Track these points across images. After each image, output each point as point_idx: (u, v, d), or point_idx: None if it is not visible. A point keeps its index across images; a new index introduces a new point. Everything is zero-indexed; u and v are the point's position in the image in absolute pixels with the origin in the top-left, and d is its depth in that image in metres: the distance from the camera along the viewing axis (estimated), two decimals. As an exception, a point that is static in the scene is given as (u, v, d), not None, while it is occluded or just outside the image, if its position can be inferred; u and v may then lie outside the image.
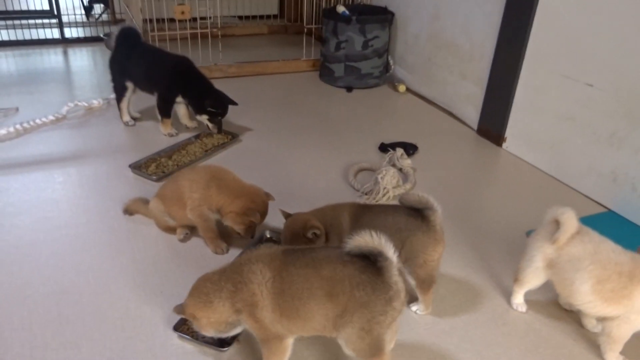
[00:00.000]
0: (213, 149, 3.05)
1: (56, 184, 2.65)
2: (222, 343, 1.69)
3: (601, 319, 1.75)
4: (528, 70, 3.02)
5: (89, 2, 5.88)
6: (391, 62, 4.35)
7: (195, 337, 1.71)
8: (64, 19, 5.07)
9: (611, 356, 1.74)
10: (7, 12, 5.38)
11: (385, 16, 4.11)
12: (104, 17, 5.65)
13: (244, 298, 1.50)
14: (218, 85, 3.17)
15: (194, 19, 4.30)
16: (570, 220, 1.72)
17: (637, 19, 2.40)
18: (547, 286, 1.88)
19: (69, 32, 5.15)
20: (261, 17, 6.07)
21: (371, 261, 1.43)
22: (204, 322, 1.56)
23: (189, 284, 1.61)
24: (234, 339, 1.71)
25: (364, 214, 1.85)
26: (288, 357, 1.58)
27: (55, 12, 4.96)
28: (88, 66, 4.51)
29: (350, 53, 4.08)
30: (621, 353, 1.74)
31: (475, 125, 3.53)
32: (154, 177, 2.69)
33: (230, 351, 1.71)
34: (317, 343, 1.75)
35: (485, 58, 3.35)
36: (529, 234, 2.40)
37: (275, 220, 2.25)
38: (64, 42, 5.00)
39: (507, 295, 2.02)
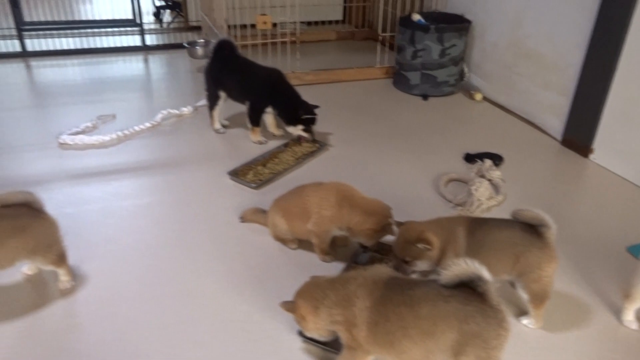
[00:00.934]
0: (303, 157, 3.15)
1: (159, 190, 2.82)
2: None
3: None
4: (621, 80, 2.99)
5: (156, 7, 6.14)
6: (466, 70, 4.36)
7: (319, 341, 1.80)
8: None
9: None
10: (93, 21, 5.69)
11: (462, 25, 4.12)
12: (175, 23, 5.89)
13: (344, 314, 1.60)
14: (296, 92, 3.30)
15: (273, 25, 4.45)
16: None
17: None
18: (663, 305, 1.88)
19: (149, 39, 5.38)
20: (323, 22, 6.18)
21: (470, 288, 1.48)
22: (311, 325, 1.67)
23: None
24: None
25: (479, 228, 1.90)
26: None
27: (138, 21, 5.19)
28: (170, 73, 4.71)
29: (427, 61, 4.12)
30: None
31: (559, 136, 3.50)
32: (253, 185, 2.82)
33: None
34: None
35: (571, 67, 3.33)
36: (631, 249, 2.39)
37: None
38: (145, 49, 5.24)
39: (615, 311, 2.03)
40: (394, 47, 4.62)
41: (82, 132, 3.40)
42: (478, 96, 4.19)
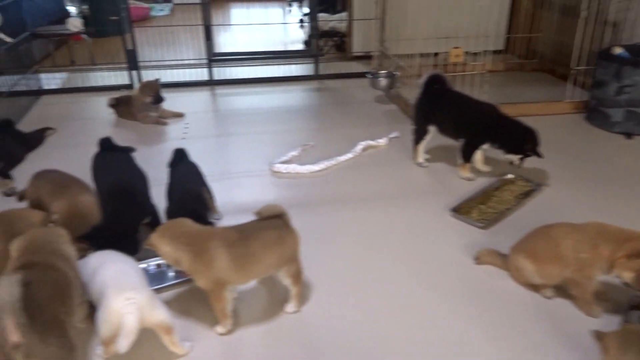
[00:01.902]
0: (521, 196, 3.03)
1: (380, 223, 2.83)
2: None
3: None
4: None
5: (311, 37, 6.32)
6: (674, 107, 4.01)
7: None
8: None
9: None
10: (273, 52, 6.04)
11: (677, 59, 3.81)
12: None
13: None
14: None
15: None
16: None
17: None
18: None
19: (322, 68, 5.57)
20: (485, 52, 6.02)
21: None
22: None
23: (554, 348, 1.73)
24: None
25: None
26: None
27: (313, 52, 5.39)
28: (351, 103, 4.80)
29: (634, 98, 3.84)
30: None
31: None
32: (480, 224, 2.74)
33: None
34: None
35: None
36: None
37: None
38: (318, 78, 5.41)
39: None
40: (583, 81, 4.38)
41: (290, 161, 3.54)
42: (692, 137, 3.83)
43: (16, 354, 1.51)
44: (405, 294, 2.29)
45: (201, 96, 5.01)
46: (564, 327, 2.07)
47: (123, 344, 1.70)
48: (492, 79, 5.27)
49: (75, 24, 5.78)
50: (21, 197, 2.71)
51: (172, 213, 2.55)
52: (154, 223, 2.54)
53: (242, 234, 2.03)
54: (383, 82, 4.65)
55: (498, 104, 3.29)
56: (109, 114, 4.45)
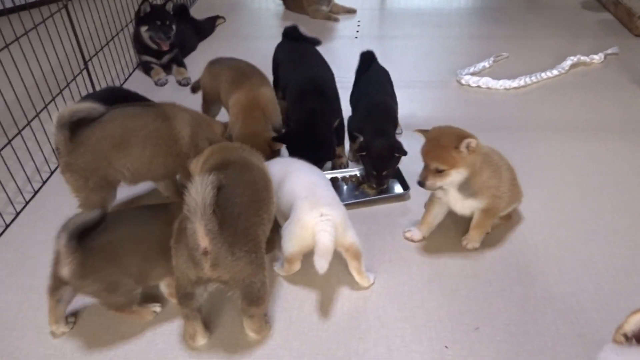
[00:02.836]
0: None
1: (604, 164, 2.28)
2: None
3: None
4: None
5: None
6: None
7: None
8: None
9: None
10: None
11: None
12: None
13: None
14: None
15: None
16: None
17: None
18: None
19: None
20: None
21: None
22: None
23: None
24: None
25: None
26: None
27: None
28: (549, 4, 4.01)
29: None
30: None
31: None
32: None
33: None
34: None
35: None
36: None
37: None
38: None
39: None
40: None
41: (480, 73, 3.02)
42: None
43: (204, 261, 1.36)
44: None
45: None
46: None
47: (322, 264, 1.49)
48: None
49: None
50: (194, 88, 2.56)
51: (355, 124, 2.24)
52: (339, 131, 2.26)
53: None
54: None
55: None
56: (278, 5, 4.17)
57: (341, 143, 2.31)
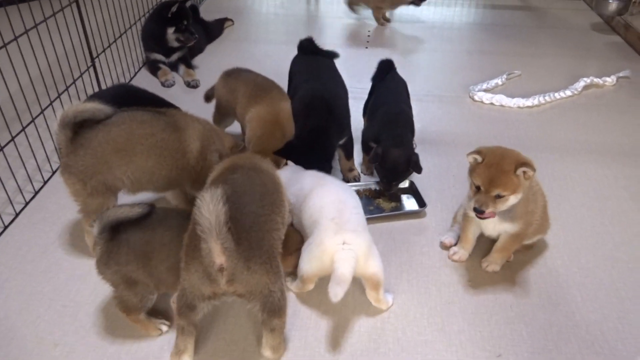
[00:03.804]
0: None
1: (616, 186, 2.24)
2: None
3: None
4: None
5: None
6: None
7: None
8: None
9: None
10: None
11: None
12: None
13: None
14: None
15: None
16: None
17: None
18: None
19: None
20: None
21: None
22: None
23: None
24: None
25: None
26: None
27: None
28: (564, 30, 4.01)
29: None
30: None
31: None
32: None
33: None
34: None
35: None
36: None
37: None
38: (516, -6, 4.60)
39: None
40: None
41: (492, 90, 2.99)
42: None
43: (220, 277, 1.29)
44: (663, 288, 1.77)
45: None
46: None
47: (337, 292, 1.41)
48: None
49: None
50: (208, 97, 2.46)
51: (372, 133, 2.18)
52: (348, 146, 2.20)
53: None
54: (613, 5, 3.74)
55: None
56: (286, 9, 4.12)
57: (351, 156, 2.24)
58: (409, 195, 2.15)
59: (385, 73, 2.35)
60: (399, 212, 2.06)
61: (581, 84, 2.99)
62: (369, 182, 2.22)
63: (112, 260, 1.43)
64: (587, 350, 1.55)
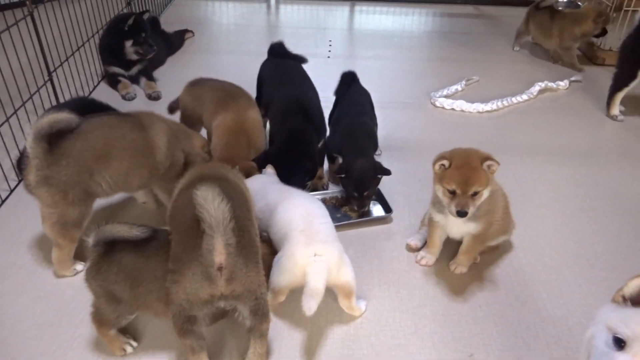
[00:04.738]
0: None
1: (575, 186, 2.33)
2: None
3: None
4: None
5: None
6: None
7: None
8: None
9: None
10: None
11: None
12: None
13: None
14: None
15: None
16: None
17: None
18: None
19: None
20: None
21: None
22: None
23: None
24: None
25: None
26: None
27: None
28: (514, 32, 4.14)
29: None
30: None
31: None
32: None
33: None
34: None
35: None
36: None
37: None
38: (473, 2, 4.72)
39: None
40: None
41: (452, 96, 3.06)
42: None
43: (219, 277, 1.28)
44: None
45: (342, 12, 4.52)
46: None
47: (311, 306, 1.40)
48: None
49: None
50: (172, 108, 2.43)
51: (335, 145, 2.20)
52: (320, 154, 2.21)
53: None
54: (562, 13, 3.89)
55: None
56: (247, 20, 4.12)
57: (321, 164, 2.26)
58: (375, 202, 2.17)
59: (348, 85, 2.38)
60: (366, 219, 2.08)
61: (536, 88, 3.10)
62: (334, 190, 2.23)
63: (100, 276, 1.40)
64: (555, 346, 1.59)
